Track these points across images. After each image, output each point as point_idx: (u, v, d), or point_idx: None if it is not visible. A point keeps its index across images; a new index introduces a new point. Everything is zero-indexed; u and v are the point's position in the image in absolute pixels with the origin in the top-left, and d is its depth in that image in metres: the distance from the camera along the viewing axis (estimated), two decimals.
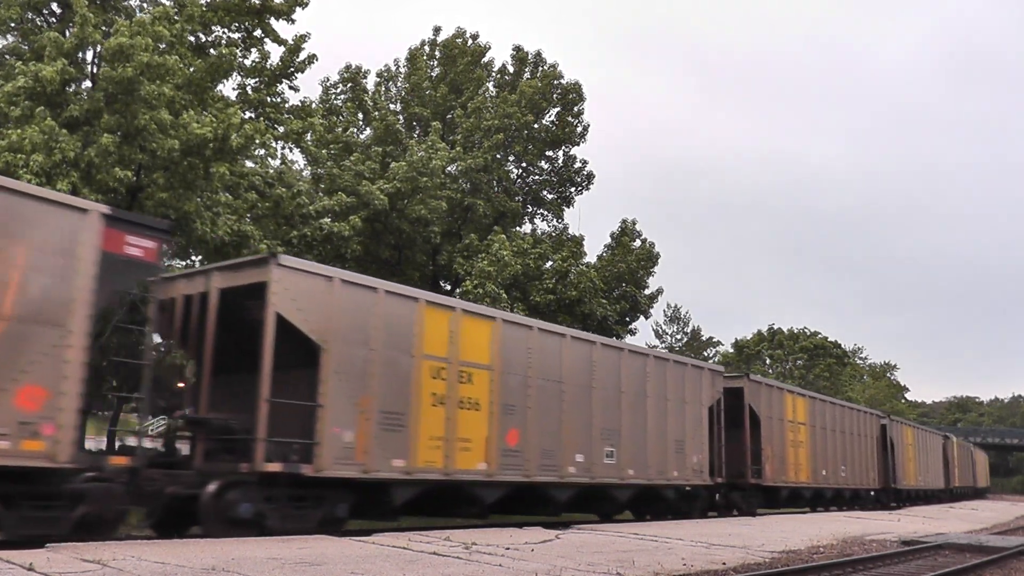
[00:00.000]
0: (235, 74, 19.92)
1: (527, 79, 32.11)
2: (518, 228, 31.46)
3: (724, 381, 21.91)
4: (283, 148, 22.49)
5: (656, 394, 18.70)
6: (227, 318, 12.22)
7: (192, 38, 18.86)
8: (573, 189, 33.14)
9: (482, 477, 13.95)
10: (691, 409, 19.86)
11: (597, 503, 17.62)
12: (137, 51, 15.41)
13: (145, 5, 19.80)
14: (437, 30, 33.27)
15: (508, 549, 10.79)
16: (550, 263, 28.71)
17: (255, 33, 20.49)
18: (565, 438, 15.83)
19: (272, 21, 20.38)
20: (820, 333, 63.97)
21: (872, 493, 32.53)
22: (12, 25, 17.94)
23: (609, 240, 32.49)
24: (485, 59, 32.80)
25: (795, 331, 64.19)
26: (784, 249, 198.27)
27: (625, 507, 18.50)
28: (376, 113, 29.15)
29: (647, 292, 31.71)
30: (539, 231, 32.98)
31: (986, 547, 15.35)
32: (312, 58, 21.23)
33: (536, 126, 31.45)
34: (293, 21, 20.39)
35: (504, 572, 8.94)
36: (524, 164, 32.36)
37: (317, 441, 11.63)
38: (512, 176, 32.13)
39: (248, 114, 20.15)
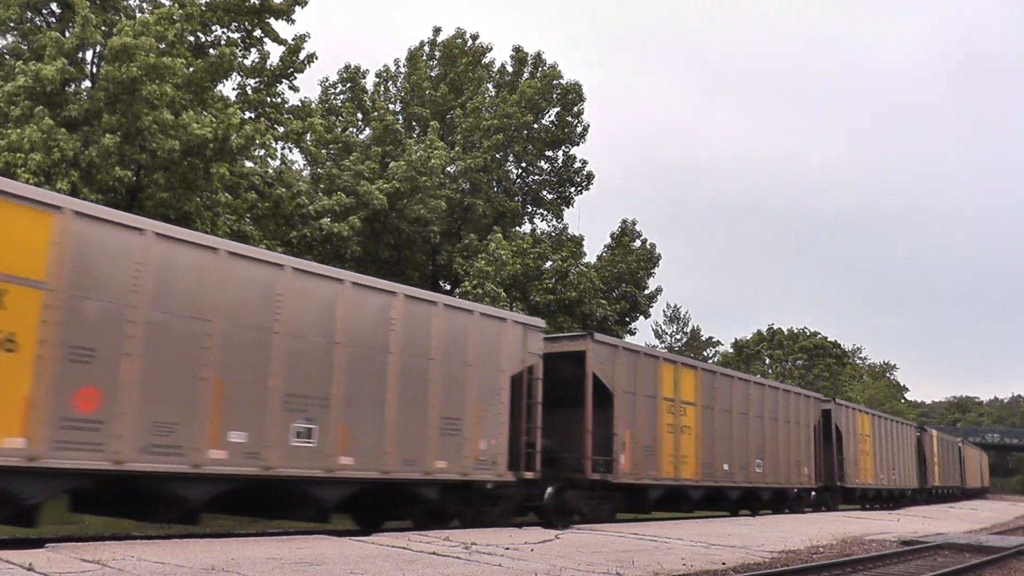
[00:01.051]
0: (235, 74, 19.95)
1: (527, 79, 32.13)
2: (518, 228, 31.49)
3: (551, 343, 16.76)
4: (283, 148, 22.53)
5: (407, 350, 12.96)
6: None
7: (192, 38, 18.89)
8: (573, 189, 33.18)
9: (18, 461, 8.75)
10: (479, 375, 14.19)
11: (286, 505, 12.04)
12: (141, 51, 15.43)
13: (145, 5, 19.82)
14: (437, 30, 33.33)
15: (508, 549, 10.80)
16: (549, 263, 28.75)
17: (255, 33, 20.53)
18: (205, 406, 10.40)
19: (272, 21, 20.42)
20: (820, 333, 64.05)
21: (813, 494, 26.79)
22: (12, 25, 17.96)
23: (609, 240, 32.54)
24: (485, 59, 32.84)
25: (795, 331, 64.24)
26: (784, 249, 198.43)
27: (333, 510, 12.41)
28: (375, 113, 29.18)
29: (647, 292, 31.75)
30: (539, 231, 33.04)
31: (986, 547, 15.36)
32: (312, 58, 21.26)
33: (536, 126, 31.47)
34: (293, 21, 20.43)
35: (504, 572, 8.95)
36: (524, 164, 32.39)
37: None
38: (512, 176, 32.16)
39: (248, 114, 20.18)
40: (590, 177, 33.11)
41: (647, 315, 32.33)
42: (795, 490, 25.18)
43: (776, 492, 24.02)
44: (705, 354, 63.55)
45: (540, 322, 16.43)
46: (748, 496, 22.95)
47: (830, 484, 27.77)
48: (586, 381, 16.78)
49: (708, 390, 20.67)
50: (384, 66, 33.22)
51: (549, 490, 16.00)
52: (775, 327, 65.24)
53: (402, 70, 33.10)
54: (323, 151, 25.76)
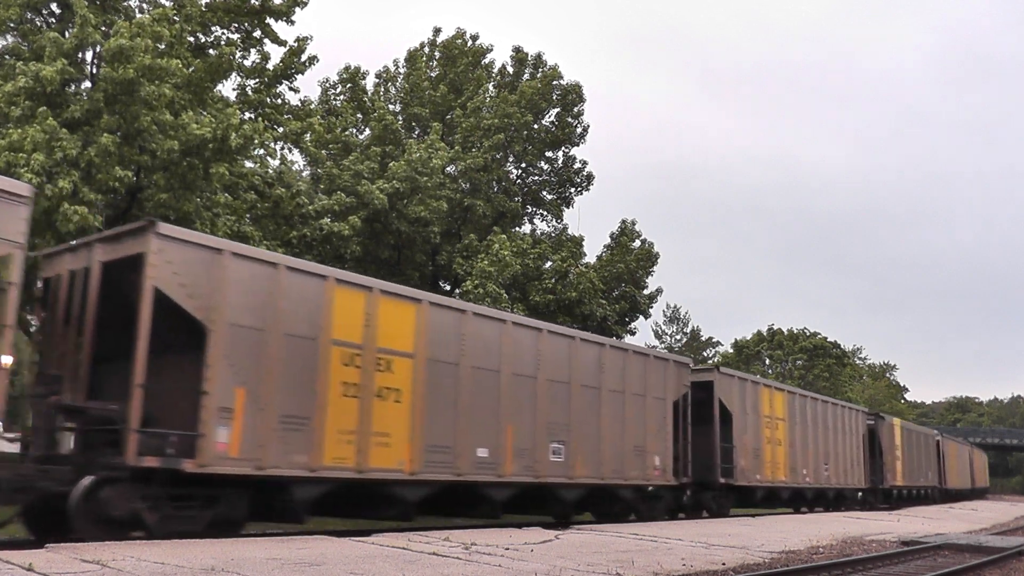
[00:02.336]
0: (234, 75, 19.94)
1: (527, 80, 32.12)
2: (517, 228, 31.49)
3: (109, 246, 11.13)
4: (282, 148, 22.52)
5: None
6: None
7: (191, 38, 18.88)
8: (573, 190, 33.17)
9: None
10: None
11: None
12: (137, 52, 15.44)
13: (144, 6, 19.81)
14: (437, 31, 33.33)
15: (508, 549, 10.79)
16: (549, 263, 28.75)
17: (254, 34, 20.52)
18: None
19: (271, 22, 20.41)
20: (820, 333, 64.09)
21: (687, 495, 19.84)
22: (11, 25, 17.95)
23: (608, 240, 32.53)
24: (485, 60, 32.84)
25: (795, 331, 64.29)
26: (784, 249, 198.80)
27: None
28: (375, 114, 29.18)
29: (646, 292, 31.73)
30: (538, 231, 33.03)
31: (985, 547, 15.36)
32: (313, 59, 21.25)
33: (536, 126, 31.47)
34: (292, 22, 20.42)
35: (504, 572, 8.94)
36: (524, 164, 32.39)
37: None
38: (512, 176, 32.15)
39: (248, 115, 20.16)
40: (590, 178, 33.11)
41: (647, 315, 32.30)
42: (649, 487, 18.40)
43: (592, 492, 17.08)
44: (705, 354, 63.57)
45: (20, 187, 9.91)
46: (549, 493, 15.88)
47: (706, 480, 20.39)
48: (141, 300, 10.36)
49: (433, 332, 13.70)
50: (384, 67, 33.27)
51: (85, 482, 9.96)
52: (775, 327, 65.32)
53: (402, 71, 33.11)
54: (322, 151, 25.75)
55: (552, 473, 15.67)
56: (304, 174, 26.41)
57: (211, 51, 19.47)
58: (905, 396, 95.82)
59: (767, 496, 23.66)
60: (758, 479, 22.33)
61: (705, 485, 20.59)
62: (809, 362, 62.44)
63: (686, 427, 19.70)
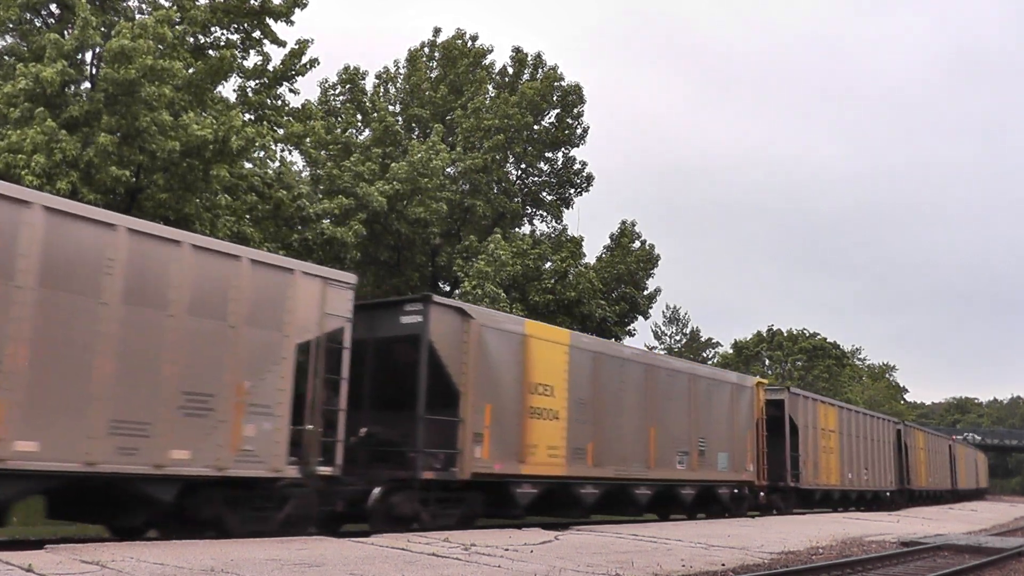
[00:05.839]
0: (235, 76, 19.95)
1: (527, 80, 32.11)
2: (517, 229, 31.47)
3: None
4: (282, 150, 22.51)
5: None
6: None
7: (191, 39, 18.88)
8: (572, 190, 33.17)
9: None
10: None
11: None
12: (139, 53, 15.43)
13: (144, 6, 19.81)
14: (437, 31, 33.32)
15: (507, 550, 10.79)
16: (549, 264, 28.74)
17: (254, 35, 20.52)
18: None
19: (271, 23, 20.41)
20: (819, 334, 64.04)
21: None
22: (11, 26, 17.95)
23: (608, 241, 32.52)
24: (485, 61, 32.82)
25: (794, 332, 64.24)
26: (784, 250, 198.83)
27: None
28: (375, 114, 29.15)
29: (646, 293, 31.73)
30: (538, 232, 33.02)
31: (985, 548, 15.35)
32: (313, 62, 21.25)
33: (536, 127, 31.45)
34: (292, 23, 20.42)
35: (503, 573, 8.94)
36: (523, 165, 32.38)
37: None
38: (511, 177, 32.13)
39: (247, 116, 20.17)
40: (590, 179, 33.11)
41: (646, 316, 32.32)
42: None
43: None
44: (704, 355, 63.51)
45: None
46: None
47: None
48: None
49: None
50: (384, 67, 33.26)
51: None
52: (775, 328, 65.27)
53: (402, 71, 33.10)
54: (322, 153, 25.73)
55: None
56: (304, 175, 26.39)
57: (211, 52, 19.47)
58: (905, 397, 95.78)
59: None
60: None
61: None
62: (808, 363, 62.41)
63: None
